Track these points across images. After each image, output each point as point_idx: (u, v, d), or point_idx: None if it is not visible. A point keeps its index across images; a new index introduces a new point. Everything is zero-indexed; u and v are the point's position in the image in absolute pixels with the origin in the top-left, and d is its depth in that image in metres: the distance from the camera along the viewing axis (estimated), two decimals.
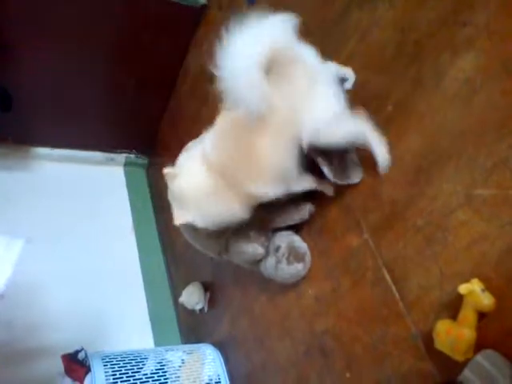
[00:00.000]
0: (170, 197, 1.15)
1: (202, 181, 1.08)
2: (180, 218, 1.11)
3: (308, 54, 1.03)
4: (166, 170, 1.12)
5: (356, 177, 1.18)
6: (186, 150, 1.19)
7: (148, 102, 2.44)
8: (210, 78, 0.93)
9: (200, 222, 1.12)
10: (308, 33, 1.13)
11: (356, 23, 1.21)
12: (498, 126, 0.87)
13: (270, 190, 1.10)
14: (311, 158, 1.14)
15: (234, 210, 1.10)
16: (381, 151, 1.08)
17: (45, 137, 2.43)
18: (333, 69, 1.13)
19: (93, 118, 2.42)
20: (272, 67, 0.96)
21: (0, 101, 1.78)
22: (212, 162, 1.07)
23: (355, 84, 1.18)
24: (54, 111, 2.29)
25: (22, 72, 2.00)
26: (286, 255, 1.32)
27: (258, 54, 0.92)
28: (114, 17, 1.95)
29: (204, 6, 1.98)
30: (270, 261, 1.34)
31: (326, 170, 1.14)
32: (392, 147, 1.09)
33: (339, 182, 1.17)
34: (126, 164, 2.73)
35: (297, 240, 1.36)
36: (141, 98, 2.39)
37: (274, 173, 1.08)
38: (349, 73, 1.18)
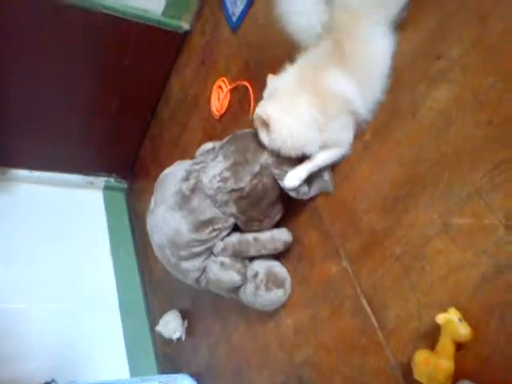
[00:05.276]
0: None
1: None
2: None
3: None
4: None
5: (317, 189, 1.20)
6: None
7: (129, 127, 2.43)
8: None
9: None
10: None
11: None
12: (472, 157, 0.88)
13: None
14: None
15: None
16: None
17: (24, 159, 2.40)
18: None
19: (73, 141, 2.40)
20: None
21: None
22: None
23: None
24: (33, 133, 2.26)
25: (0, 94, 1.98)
26: (264, 281, 1.28)
27: None
28: (96, 41, 1.96)
29: (187, 32, 2.01)
30: (249, 287, 1.30)
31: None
32: (370, 175, 1.10)
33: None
34: (106, 188, 2.71)
35: (277, 265, 1.33)
36: (122, 122, 2.39)
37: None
38: None
